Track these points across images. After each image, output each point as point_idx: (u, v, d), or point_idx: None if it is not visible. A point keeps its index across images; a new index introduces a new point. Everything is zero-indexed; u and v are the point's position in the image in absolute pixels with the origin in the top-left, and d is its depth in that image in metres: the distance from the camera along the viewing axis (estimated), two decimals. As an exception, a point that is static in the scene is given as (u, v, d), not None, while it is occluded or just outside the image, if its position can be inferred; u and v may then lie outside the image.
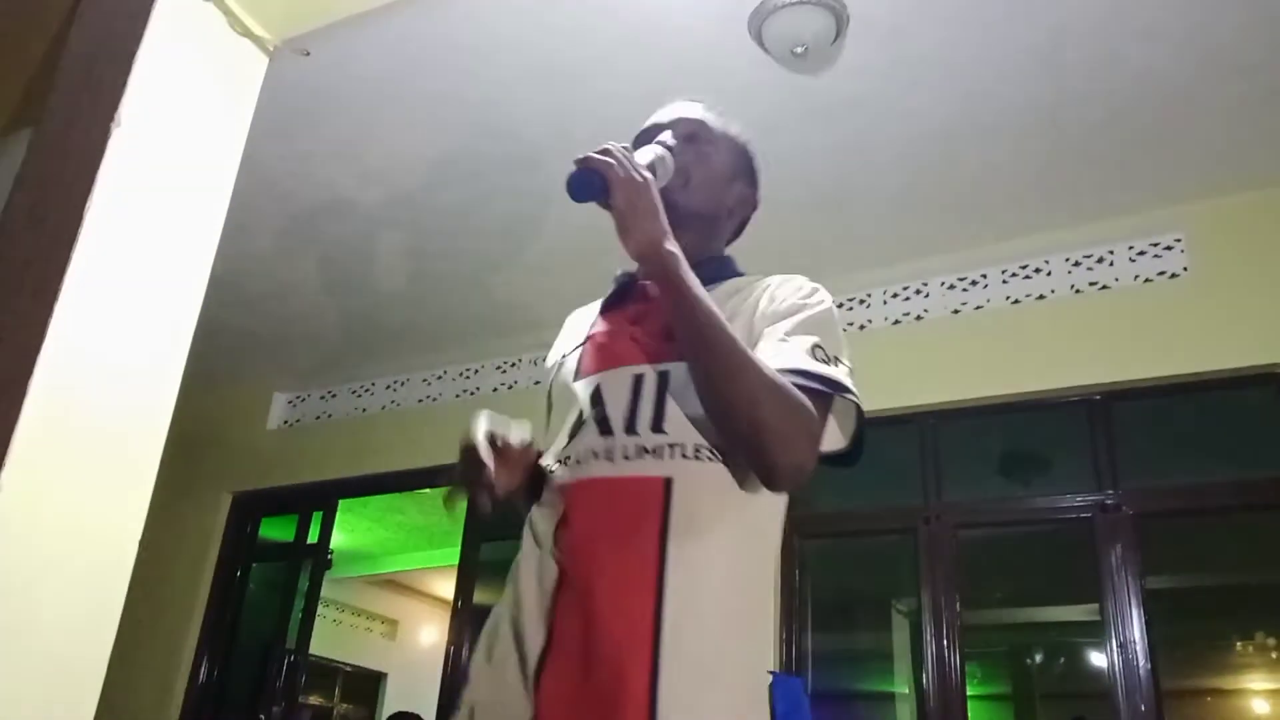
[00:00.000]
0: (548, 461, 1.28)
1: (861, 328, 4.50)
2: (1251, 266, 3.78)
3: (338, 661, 9.01)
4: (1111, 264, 4.07)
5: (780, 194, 4.16)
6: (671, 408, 1.18)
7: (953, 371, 4.22)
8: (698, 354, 1.13)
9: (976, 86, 3.42)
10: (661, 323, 1.25)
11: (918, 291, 4.45)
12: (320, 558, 5.96)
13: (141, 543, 1.86)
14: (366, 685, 9.42)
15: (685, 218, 1.32)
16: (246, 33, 2.17)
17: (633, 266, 1.32)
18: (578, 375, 1.31)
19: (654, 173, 1.25)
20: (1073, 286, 4.12)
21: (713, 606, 1.11)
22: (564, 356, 1.39)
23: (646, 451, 1.16)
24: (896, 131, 3.66)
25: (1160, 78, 3.34)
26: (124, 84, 1.87)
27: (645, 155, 1.28)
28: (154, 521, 1.89)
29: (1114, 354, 3.92)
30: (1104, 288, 4.06)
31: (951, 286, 4.38)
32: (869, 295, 4.54)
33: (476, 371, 5.51)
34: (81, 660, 1.74)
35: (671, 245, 1.15)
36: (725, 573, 1.14)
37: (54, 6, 2.21)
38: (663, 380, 1.21)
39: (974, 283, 4.34)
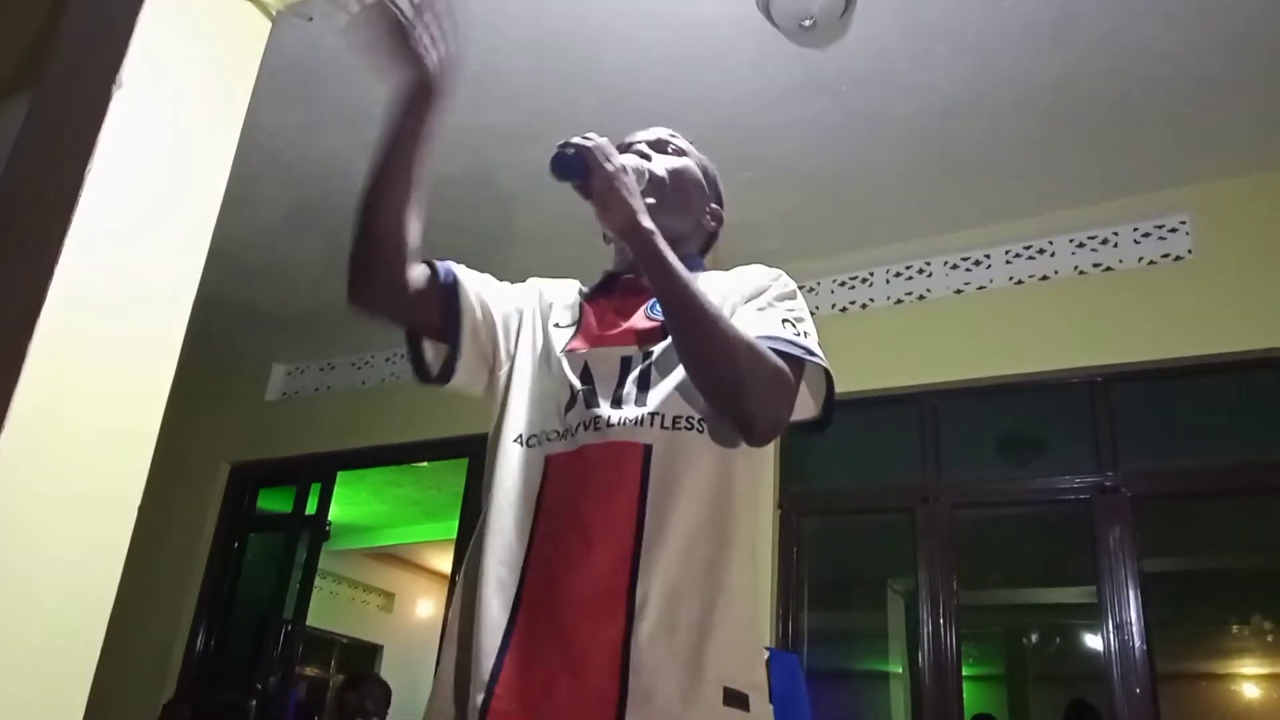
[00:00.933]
0: (522, 432, 1.33)
1: (864, 306, 4.49)
2: (1257, 250, 3.76)
3: (334, 633, 9.04)
4: (1116, 245, 4.05)
5: (785, 169, 4.15)
6: (655, 384, 1.27)
7: (954, 351, 4.21)
8: (680, 317, 1.22)
9: (984, 63, 3.39)
10: (643, 309, 1.38)
11: (921, 271, 4.43)
12: (318, 529, 5.96)
13: (139, 512, 1.85)
14: (363, 657, 9.46)
15: (660, 226, 1.39)
16: (249, -4, 2.14)
17: (615, 266, 1.47)
18: (565, 350, 1.38)
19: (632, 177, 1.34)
20: (1076, 268, 4.11)
21: (688, 561, 1.17)
22: (556, 326, 1.46)
23: (630, 422, 1.24)
24: (903, 107, 3.63)
25: (1168, 58, 3.31)
26: (125, 46, 1.85)
27: (626, 160, 1.36)
28: (151, 491, 1.89)
29: (1116, 336, 3.91)
30: (1108, 269, 4.04)
31: (955, 266, 4.36)
32: (872, 274, 4.52)
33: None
34: (79, 630, 1.73)
35: (648, 222, 1.25)
36: (701, 530, 1.19)
37: (53, -33, 2.18)
38: (648, 361, 1.30)
39: (977, 263, 4.32)
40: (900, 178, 4.04)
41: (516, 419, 1.35)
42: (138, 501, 1.84)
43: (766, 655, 1.24)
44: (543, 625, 1.16)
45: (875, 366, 4.30)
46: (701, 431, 1.24)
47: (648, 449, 1.22)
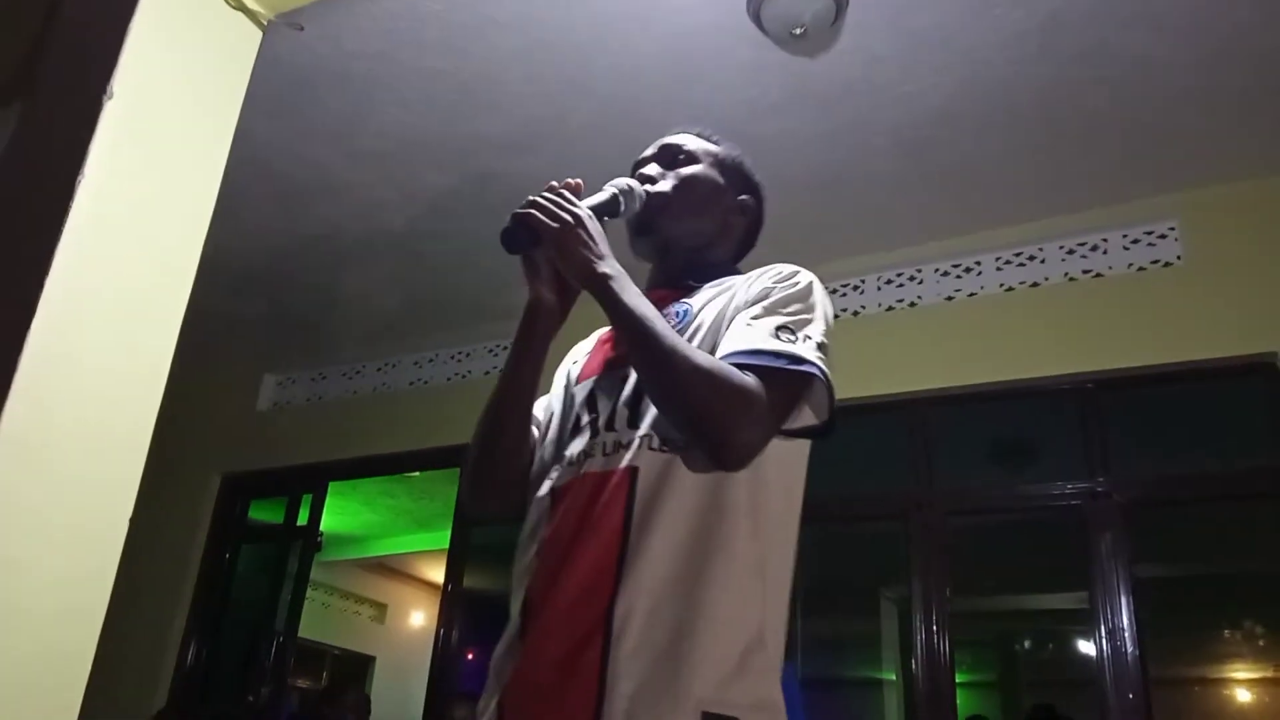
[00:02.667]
0: (541, 475, 1.36)
1: (855, 314, 4.50)
2: (1245, 255, 3.78)
3: (327, 645, 9.00)
4: (1105, 252, 4.07)
5: (775, 177, 4.12)
6: (646, 404, 1.26)
7: (945, 358, 4.21)
8: (635, 353, 1.24)
9: (974, 72, 3.41)
10: None
11: (911, 278, 4.44)
12: (310, 540, 5.94)
13: (130, 524, 1.85)
14: (356, 668, 9.42)
15: (668, 234, 1.44)
16: (240, 6, 2.14)
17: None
18: (578, 381, 1.40)
19: (619, 205, 1.37)
20: (1066, 274, 4.12)
21: (669, 582, 1.15)
22: (573, 363, 1.49)
23: (621, 446, 1.24)
24: (893, 116, 3.64)
25: (1157, 66, 3.33)
26: (116, 56, 1.84)
27: (603, 194, 1.37)
28: (142, 502, 1.88)
29: (1106, 342, 3.92)
30: (1097, 275, 4.06)
31: (945, 273, 4.38)
32: (863, 281, 4.53)
33: (468, 355, 5.49)
34: (70, 641, 1.72)
35: (606, 266, 1.25)
36: (683, 551, 1.17)
37: (44, -22, 2.17)
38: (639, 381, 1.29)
39: (968, 270, 4.34)
40: (890, 185, 4.05)
41: (540, 469, 1.38)
42: (129, 513, 1.84)
43: (778, 675, 1.19)
44: (535, 644, 1.19)
45: (867, 374, 4.30)
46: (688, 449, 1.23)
47: (633, 471, 1.21)
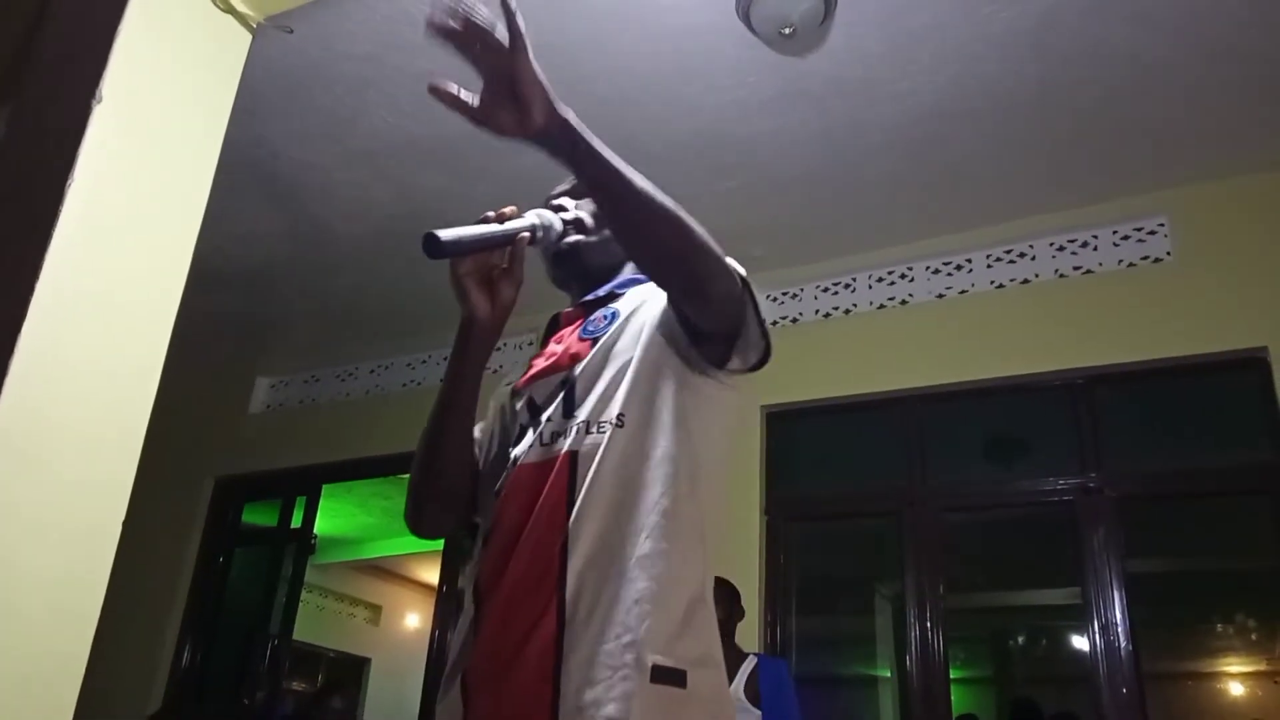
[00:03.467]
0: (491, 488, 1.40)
1: (847, 312, 4.51)
2: (1235, 251, 3.80)
3: (321, 647, 8.98)
4: (1095, 249, 4.09)
5: (767, 175, 4.17)
6: (579, 396, 1.31)
7: (937, 355, 4.23)
8: (616, 192, 1.20)
9: (964, 70, 3.42)
10: (578, 335, 1.40)
11: (903, 276, 4.46)
12: (304, 543, 5.94)
13: (123, 527, 1.85)
14: (351, 670, 9.40)
15: (586, 260, 1.47)
16: (229, 9, 2.14)
17: (556, 308, 1.50)
18: (516, 395, 1.45)
19: (536, 233, 1.37)
20: (1057, 271, 4.14)
21: (615, 556, 1.21)
22: (505, 385, 1.54)
23: (559, 435, 1.30)
24: (884, 114, 3.65)
25: (1146, 64, 3.35)
26: (105, 59, 1.84)
27: (515, 225, 1.36)
28: (135, 506, 1.88)
29: (1097, 338, 3.94)
30: (1088, 272, 4.08)
31: (936, 271, 4.39)
32: (855, 279, 4.54)
33: (498, 348, 5.47)
34: (64, 645, 1.72)
35: (563, 110, 1.22)
36: (631, 521, 1.23)
37: (32, -19, 2.17)
38: (573, 375, 1.35)
39: (959, 267, 4.35)
40: (881, 183, 4.06)
41: (489, 482, 1.41)
42: (122, 516, 1.84)
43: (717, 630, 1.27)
44: (491, 625, 1.23)
45: (859, 371, 4.32)
46: (620, 426, 1.27)
47: (573, 455, 1.26)
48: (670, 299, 1.30)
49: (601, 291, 1.47)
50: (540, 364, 1.43)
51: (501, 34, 1.16)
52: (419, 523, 1.47)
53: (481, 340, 1.37)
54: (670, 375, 1.31)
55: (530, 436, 1.34)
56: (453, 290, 1.35)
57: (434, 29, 1.12)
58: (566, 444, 1.28)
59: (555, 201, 1.54)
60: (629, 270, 1.51)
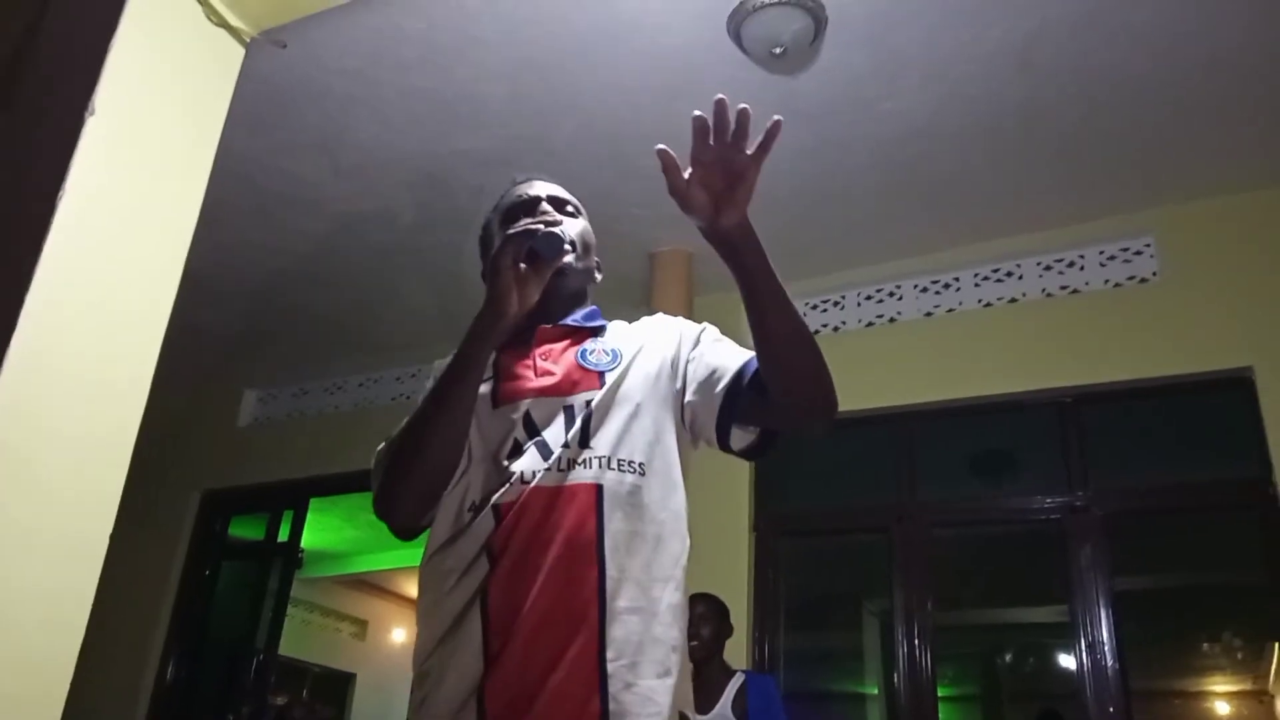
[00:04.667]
0: (467, 498, 1.38)
1: (835, 329, 4.53)
2: (1221, 270, 3.83)
3: (307, 662, 8.93)
4: (1082, 268, 4.12)
5: (756, 194, 4.16)
6: (597, 430, 1.35)
7: (925, 373, 4.24)
8: (777, 305, 1.31)
9: (952, 89, 3.45)
10: (572, 358, 1.43)
11: (891, 294, 4.48)
12: (290, 557, 5.91)
13: (110, 540, 1.84)
14: (336, 686, 9.35)
15: (571, 282, 1.50)
16: (223, 23, 2.15)
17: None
18: (496, 403, 1.42)
19: (569, 247, 1.44)
20: (1044, 290, 4.16)
21: (650, 595, 1.28)
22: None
23: (578, 464, 1.32)
24: (873, 132, 3.68)
25: (1132, 83, 3.38)
26: (98, 72, 1.84)
27: (568, 233, 1.45)
28: (122, 519, 1.87)
29: (1084, 357, 3.96)
30: (1075, 291, 4.11)
31: (924, 289, 4.41)
32: (843, 297, 4.56)
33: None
34: (49, 659, 1.71)
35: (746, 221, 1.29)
36: (653, 555, 1.30)
37: (26, -6, 2.17)
38: (588, 406, 1.37)
39: (946, 285, 4.38)
40: (869, 202, 4.08)
41: (456, 491, 1.38)
42: (109, 530, 1.83)
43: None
44: (517, 653, 1.22)
45: (848, 389, 4.25)
46: (644, 475, 1.33)
47: (599, 489, 1.30)
48: (774, 403, 1.34)
49: (580, 316, 1.51)
50: (533, 380, 1.42)
51: (751, 140, 1.25)
52: (403, 514, 1.42)
53: (501, 337, 1.37)
54: (674, 430, 1.40)
55: (534, 456, 1.33)
56: (497, 286, 1.33)
57: (717, 109, 1.25)
58: (587, 475, 1.31)
59: (549, 215, 1.54)
60: (590, 302, 1.56)
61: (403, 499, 1.40)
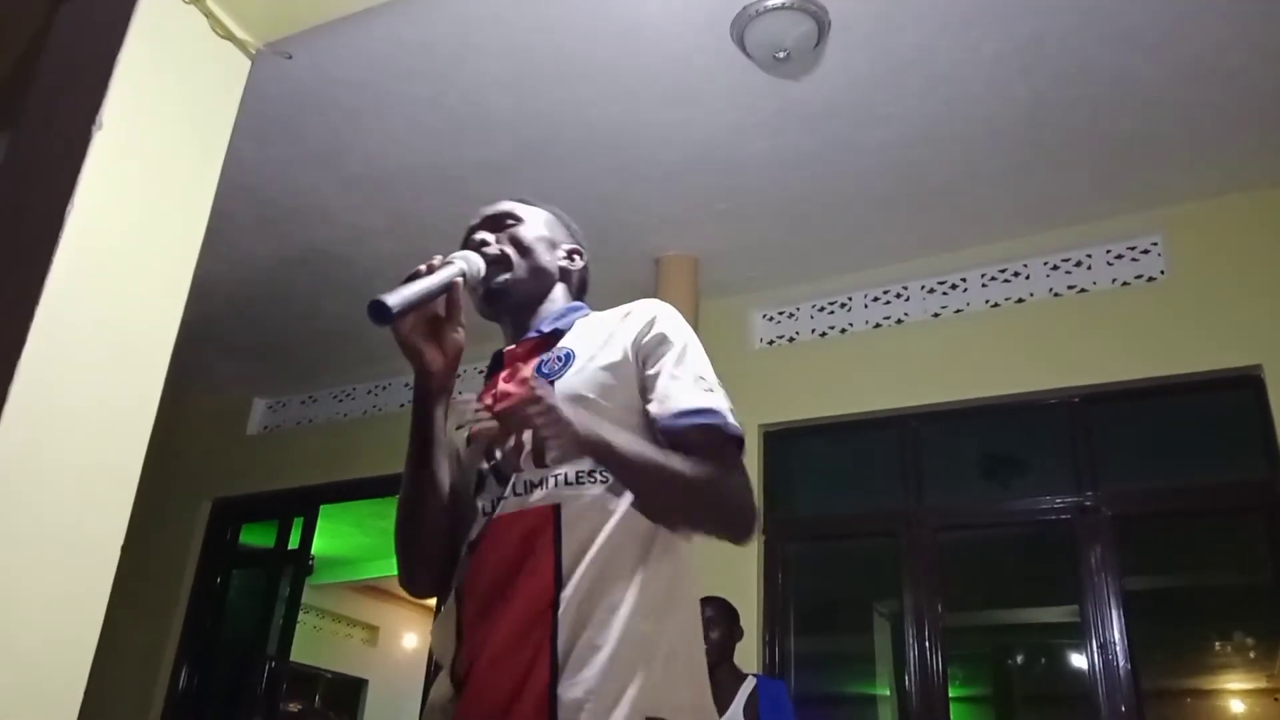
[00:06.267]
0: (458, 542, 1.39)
1: (843, 331, 4.52)
2: (1228, 269, 3.82)
3: (319, 668, 8.94)
4: (1089, 268, 4.11)
5: (762, 198, 4.19)
6: (549, 442, 1.26)
7: (933, 374, 4.24)
8: (641, 492, 1.27)
9: (956, 92, 3.45)
10: (534, 374, 1.37)
11: (898, 295, 4.48)
12: (301, 564, 5.92)
13: (121, 549, 1.85)
14: (347, 692, 9.36)
15: (518, 293, 1.47)
16: (228, 35, 2.16)
17: (500, 343, 1.50)
18: (470, 442, 1.42)
19: (464, 278, 1.36)
20: (1051, 290, 4.16)
21: (605, 610, 1.23)
22: (455, 430, 1.49)
23: (534, 485, 1.29)
24: (877, 136, 3.68)
25: (1137, 84, 3.37)
26: (105, 86, 1.86)
27: (447, 272, 1.35)
28: (133, 528, 1.88)
29: (1092, 357, 3.95)
30: (1082, 291, 4.10)
31: (931, 290, 4.41)
32: (850, 299, 4.56)
33: (458, 376, 5.47)
34: (63, 667, 1.72)
35: (582, 428, 1.21)
36: (617, 576, 1.25)
37: (33, 6, 2.19)
38: None
39: (954, 286, 4.37)
40: (875, 204, 4.08)
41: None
42: (121, 539, 1.84)
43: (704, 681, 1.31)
44: (477, 685, 1.22)
45: (855, 390, 4.33)
46: (606, 482, 1.28)
47: (556, 509, 1.26)
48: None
49: (545, 327, 1.46)
50: (490, 408, 1.39)
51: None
52: (418, 588, 1.46)
53: (441, 391, 1.37)
54: (645, 421, 1.32)
55: (493, 484, 1.33)
56: (403, 352, 1.34)
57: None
58: (541, 495, 1.28)
59: (474, 238, 1.53)
60: (560, 297, 1.52)
61: (411, 569, 1.44)
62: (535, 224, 1.56)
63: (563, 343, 1.43)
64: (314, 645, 8.47)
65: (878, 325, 4.48)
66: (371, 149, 3.88)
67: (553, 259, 1.55)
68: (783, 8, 3.06)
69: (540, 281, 1.51)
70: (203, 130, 2.13)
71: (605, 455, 1.23)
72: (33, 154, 1.99)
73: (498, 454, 1.34)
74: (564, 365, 1.38)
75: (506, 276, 1.45)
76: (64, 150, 1.86)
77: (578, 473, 1.29)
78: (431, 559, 1.40)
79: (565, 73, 3.43)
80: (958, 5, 3.09)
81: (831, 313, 4.58)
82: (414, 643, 9.78)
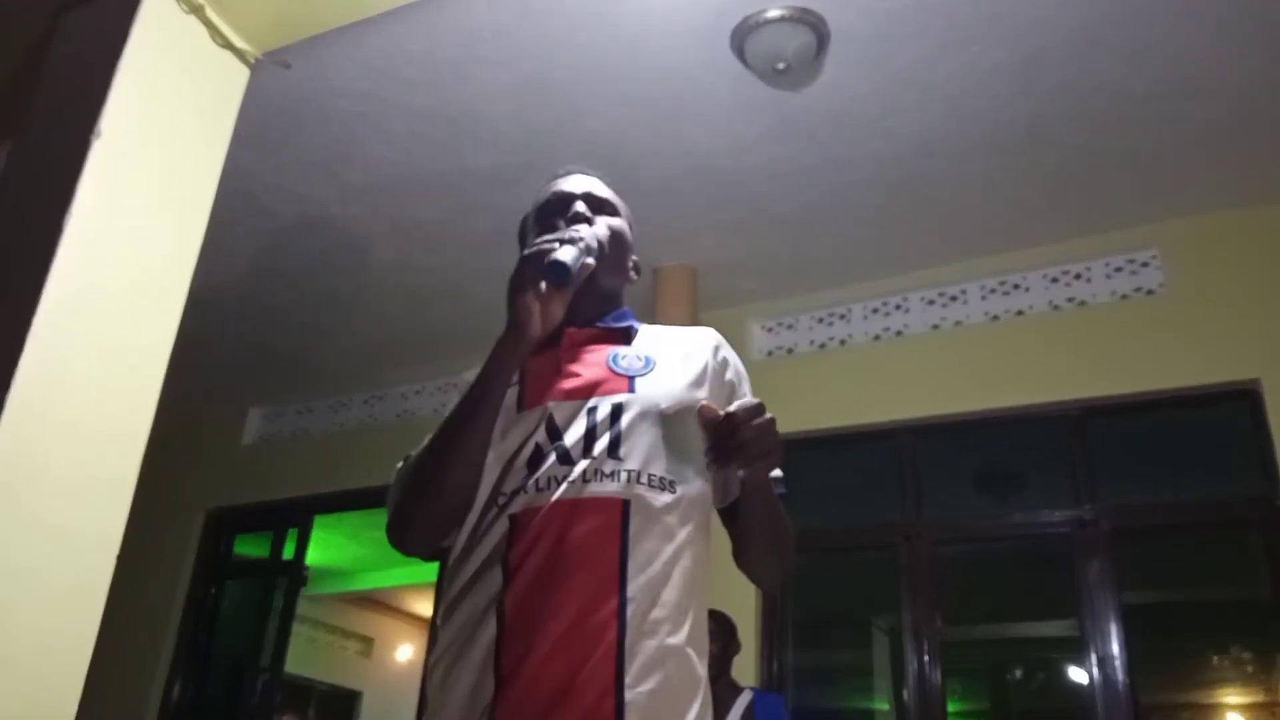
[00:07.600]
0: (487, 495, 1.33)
1: (842, 343, 4.52)
2: (1226, 283, 3.83)
3: (313, 680, 8.90)
4: (1088, 281, 4.11)
5: (761, 209, 4.19)
6: (627, 441, 1.29)
7: (932, 387, 4.23)
8: (776, 539, 1.42)
9: (955, 105, 3.45)
10: (602, 360, 1.38)
11: (898, 307, 4.47)
12: (295, 574, 5.90)
13: (116, 560, 1.84)
14: (342, 703, 9.32)
15: (603, 285, 1.44)
16: (227, 45, 2.16)
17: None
18: (521, 407, 1.37)
19: (590, 256, 1.33)
20: (1050, 303, 4.16)
21: (664, 608, 1.24)
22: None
23: (604, 475, 1.26)
24: (876, 148, 3.68)
25: (1135, 99, 3.38)
26: (104, 95, 1.85)
27: (591, 241, 1.35)
28: (127, 538, 1.87)
29: (1091, 370, 3.95)
30: (1081, 304, 4.10)
31: (931, 302, 4.41)
32: (849, 310, 4.56)
33: (454, 386, 5.46)
34: (58, 678, 1.71)
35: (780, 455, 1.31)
36: (676, 578, 1.26)
37: (33, 16, 2.18)
38: (616, 412, 1.31)
39: (953, 299, 4.37)
40: (875, 216, 4.08)
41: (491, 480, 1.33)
42: (116, 549, 1.83)
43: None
44: (532, 669, 1.17)
45: (854, 403, 4.32)
46: (674, 492, 1.29)
47: (626, 504, 1.25)
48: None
49: (610, 318, 1.46)
50: (558, 382, 1.36)
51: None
52: (409, 541, 1.39)
53: (526, 357, 1.34)
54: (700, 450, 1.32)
55: (555, 463, 1.27)
56: (515, 311, 1.29)
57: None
58: (613, 488, 1.26)
59: (579, 210, 1.48)
60: (617, 301, 1.51)
61: (417, 525, 1.37)
62: (626, 224, 1.55)
63: (640, 344, 1.43)
64: (308, 657, 8.43)
65: (877, 337, 4.48)
66: (371, 159, 3.88)
67: (629, 260, 1.55)
68: (782, 19, 3.07)
69: (615, 282, 1.50)
70: (202, 139, 2.12)
71: (772, 485, 1.35)
72: (33, 162, 1.99)
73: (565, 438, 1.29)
74: (645, 367, 1.38)
75: (596, 265, 1.39)
76: (63, 158, 1.86)
77: (650, 475, 1.28)
78: (440, 515, 1.34)
79: (564, 83, 3.43)
80: (958, 19, 3.09)
81: (830, 324, 4.58)
82: (409, 655, 9.74)
